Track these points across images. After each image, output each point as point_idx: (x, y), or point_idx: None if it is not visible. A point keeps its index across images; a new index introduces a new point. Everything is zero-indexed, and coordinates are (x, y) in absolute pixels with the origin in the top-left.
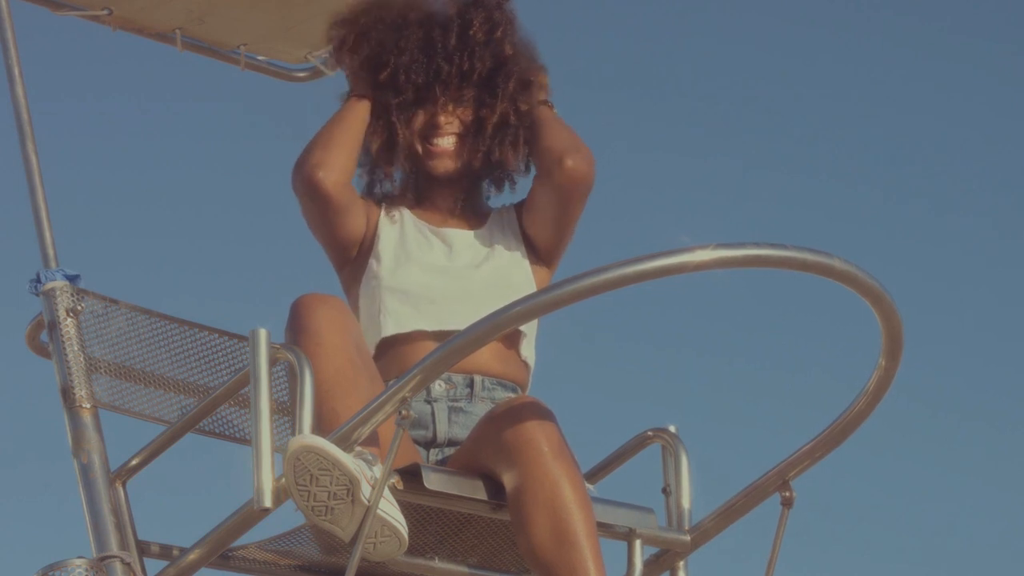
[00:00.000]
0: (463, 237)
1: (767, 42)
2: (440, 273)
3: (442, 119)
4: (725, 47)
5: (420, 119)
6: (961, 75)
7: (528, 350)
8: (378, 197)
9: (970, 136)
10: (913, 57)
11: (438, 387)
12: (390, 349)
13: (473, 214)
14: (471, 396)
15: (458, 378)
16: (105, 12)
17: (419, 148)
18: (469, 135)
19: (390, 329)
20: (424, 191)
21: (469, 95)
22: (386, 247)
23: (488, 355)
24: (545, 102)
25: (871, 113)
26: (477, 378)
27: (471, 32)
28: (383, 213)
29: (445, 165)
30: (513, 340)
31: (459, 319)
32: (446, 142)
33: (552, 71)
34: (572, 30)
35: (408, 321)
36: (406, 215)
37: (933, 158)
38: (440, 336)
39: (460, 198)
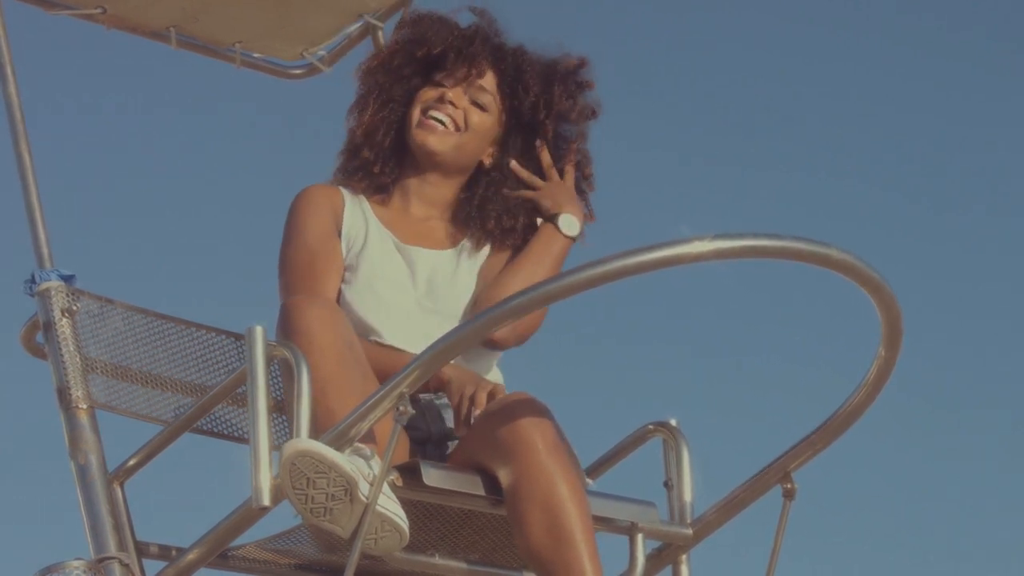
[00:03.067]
0: (428, 258)
1: (765, 41)
2: (401, 292)
3: (451, 95)
4: (724, 45)
5: (434, 93)
6: (960, 73)
7: (492, 375)
8: (354, 183)
9: (969, 133)
10: (912, 55)
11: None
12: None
13: (446, 229)
14: None
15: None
16: (99, 11)
17: (414, 116)
18: (466, 134)
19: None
20: (402, 183)
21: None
22: (351, 253)
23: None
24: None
25: (870, 111)
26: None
27: (555, 86)
28: (347, 203)
29: (429, 142)
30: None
31: (415, 343)
32: (444, 117)
33: None
34: (571, 25)
35: (368, 333)
36: (372, 221)
37: (932, 156)
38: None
39: (437, 205)
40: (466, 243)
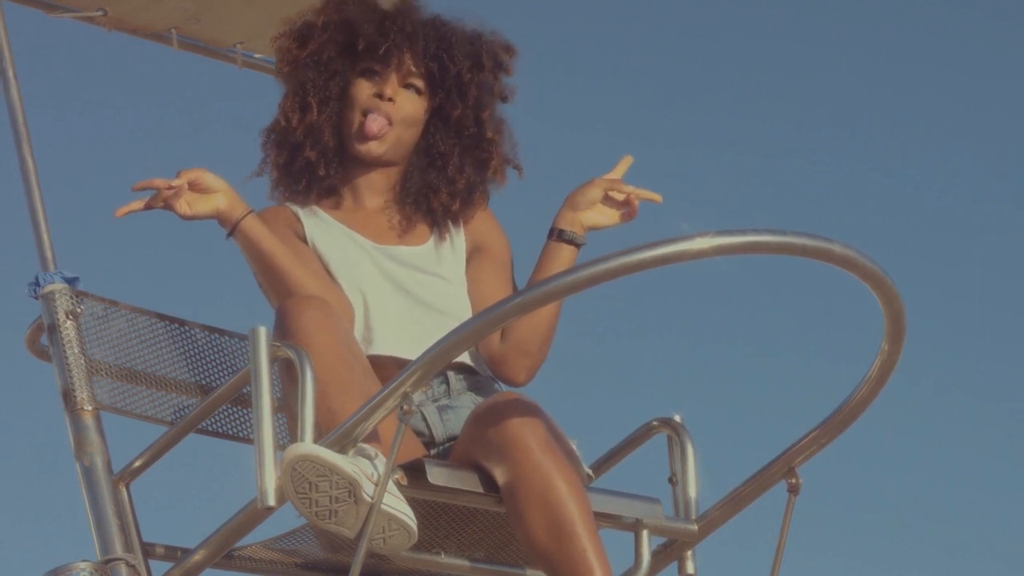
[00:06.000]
0: (407, 256)
1: (765, 29)
2: (392, 295)
3: (388, 90)
4: (723, 35)
5: (369, 89)
6: (964, 58)
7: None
8: (300, 195)
9: (973, 122)
10: (911, 44)
11: (417, 394)
12: None
13: (407, 220)
14: (449, 392)
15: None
16: (100, 13)
17: (355, 120)
18: (404, 125)
19: None
20: (349, 179)
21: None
22: (330, 259)
23: None
24: (573, 241)
25: (871, 98)
26: (450, 374)
27: (482, 55)
28: (303, 219)
29: (374, 149)
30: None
31: (405, 346)
32: (383, 117)
33: (553, 65)
34: (572, 22)
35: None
36: (336, 227)
37: (934, 142)
38: (396, 361)
39: (386, 192)
40: (436, 232)
